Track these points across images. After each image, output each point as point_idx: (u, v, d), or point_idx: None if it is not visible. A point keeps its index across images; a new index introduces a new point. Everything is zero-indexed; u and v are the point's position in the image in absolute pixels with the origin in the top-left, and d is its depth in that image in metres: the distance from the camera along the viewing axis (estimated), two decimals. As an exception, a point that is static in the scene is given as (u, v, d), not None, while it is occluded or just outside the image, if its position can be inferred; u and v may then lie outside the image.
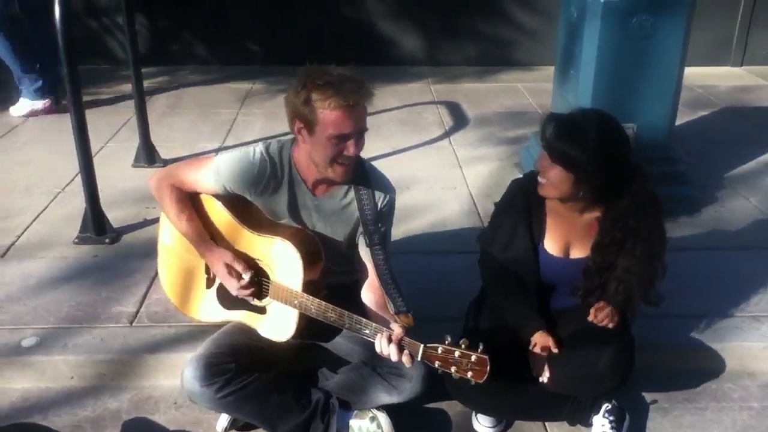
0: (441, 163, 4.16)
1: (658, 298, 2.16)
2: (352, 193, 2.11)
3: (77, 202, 3.30)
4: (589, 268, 2.09)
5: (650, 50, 3.27)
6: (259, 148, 2.12)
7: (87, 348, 2.47)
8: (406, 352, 1.82)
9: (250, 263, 2.12)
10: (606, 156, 1.94)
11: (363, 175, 2.11)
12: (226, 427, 2.23)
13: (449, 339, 1.79)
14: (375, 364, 2.16)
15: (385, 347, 1.83)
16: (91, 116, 4.55)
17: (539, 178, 2.03)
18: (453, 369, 1.77)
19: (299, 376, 2.26)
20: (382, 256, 2.04)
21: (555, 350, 2.05)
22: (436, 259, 3.07)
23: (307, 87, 1.90)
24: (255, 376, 2.10)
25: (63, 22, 2.86)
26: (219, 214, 2.17)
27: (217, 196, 2.17)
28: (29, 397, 2.39)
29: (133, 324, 2.59)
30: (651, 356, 2.43)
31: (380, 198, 2.11)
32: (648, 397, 2.40)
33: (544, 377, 2.05)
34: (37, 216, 3.45)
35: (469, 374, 1.75)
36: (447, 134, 4.66)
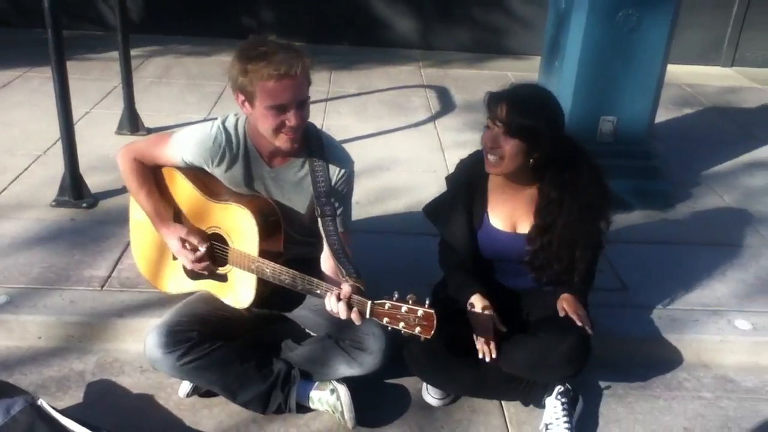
0: (424, 146, 4.18)
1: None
2: (307, 166, 2.14)
3: (58, 166, 3.31)
4: (530, 233, 2.15)
5: (634, 44, 3.29)
6: (217, 122, 2.15)
7: (56, 309, 2.50)
8: (355, 309, 1.84)
9: (204, 236, 2.17)
10: (554, 123, 2.04)
11: (319, 149, 2.14)
12: (188, 393, 2.26)
13: (397, 295, 1.77)
14: (338, 337, 2.20)
15: (334, 305, 1.86)
16: (80, 81, 4.60)
17: (489, 157, 2.07)
18: (401, 325, 1.75)
19: (263, 347, 2.30)
20: (332, 227, 2.08)
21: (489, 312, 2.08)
22: (410, 240, 3.10)
23: (242, 59, 1.93)
24: (218, 344, 2.13)
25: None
26: (180, 184, 2.22)
27: (179, 168, 2.21)
28: (-4, 354, 2.42)
29: (104, 288, 2.62)
30: (610, 345, 2.48)
31: (335, 173, 2.14)
32: (603, 383, 2.45)
33: (488, 356, 2.06)
34: (17, 177, 3.47)
35: (417, 329, 1.73)
36: (433, 118, 4.67)
